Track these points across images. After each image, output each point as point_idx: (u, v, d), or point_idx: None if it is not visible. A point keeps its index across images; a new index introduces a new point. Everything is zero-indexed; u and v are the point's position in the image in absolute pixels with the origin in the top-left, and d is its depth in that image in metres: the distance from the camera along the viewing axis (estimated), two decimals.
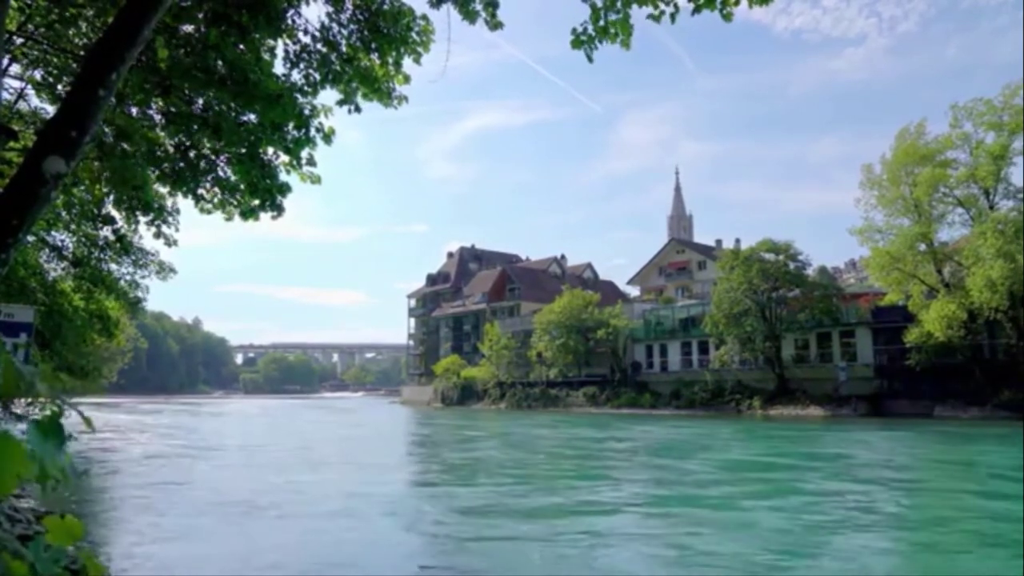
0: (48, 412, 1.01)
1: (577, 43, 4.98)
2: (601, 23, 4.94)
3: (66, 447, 0.99)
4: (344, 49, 6.81)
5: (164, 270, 15.12)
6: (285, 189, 7.70)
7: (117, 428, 33.11)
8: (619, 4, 4.85)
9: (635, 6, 4.88)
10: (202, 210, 8.46)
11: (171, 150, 8.37)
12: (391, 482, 16.16)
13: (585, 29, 4.99)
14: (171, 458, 20.40)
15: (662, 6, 4.79)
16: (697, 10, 4.70)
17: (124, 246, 13.00)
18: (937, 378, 35.24)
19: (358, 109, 7.15)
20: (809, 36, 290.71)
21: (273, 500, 12.68)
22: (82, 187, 10.53)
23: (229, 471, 18.18)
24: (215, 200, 8.36)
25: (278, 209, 7.81)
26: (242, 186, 8.02)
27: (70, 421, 1.14)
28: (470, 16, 5.84)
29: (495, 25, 5.91)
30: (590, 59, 5.04)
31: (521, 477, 16.26)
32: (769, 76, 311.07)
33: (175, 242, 11.76)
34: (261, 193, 7.65)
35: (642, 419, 39.25)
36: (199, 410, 62.15)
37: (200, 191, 8.38)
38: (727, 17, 4.73)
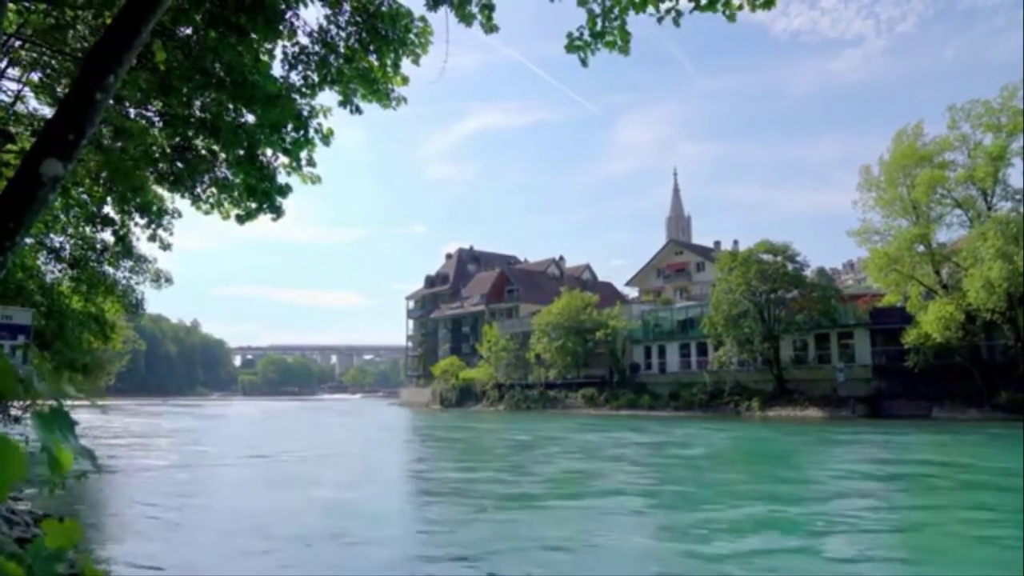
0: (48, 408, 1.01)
1: (572, 48, 4.96)
2: (598, 28, 4.92)
3: (75, 432, 0.99)
4: (342, 51, 6.82)
5: (160, 279, 15.00)
6: (285, 191, 7.69)
7: (127, 432, 31.79)
8: (616, 11, 4.83)
9: (632, 12, 4.86)
10: (199, 209, 8.48)
11: (169, 151, 8.38)
12: (492, 501, 12.84)
13: (581, 34, 4.97)
14: (195, 467, 19.00)
15: (662, 8, 4.78)
16: (698, 9, 4.67)
17: (125, 247, 13.00)
18: (935, 379, 35.25)
19: (358, 110, 7.16)
20: (807, 37, 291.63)
21: (342, 524, 10.44)
22: (80, 189, 10.53)
23: (268, 481, 16.05)
24: (212, 201, 8.38)
25: (277, 211, 7.80)
26: (239, 186, 8.03)
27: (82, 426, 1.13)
28: (466, 19, 5.85)
29: (490, 28, 5.93)
30: (585, 64, 5.03)
31: (651, 493, 13.75)
32: (767, 77, 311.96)
33: (169, 246, 11.76)
34: (259, 196, 7.65)
35: (660, 421, 38.10)
36: (202, 412, 61.67)
37: (197, 191, 8.40)
38: (731, 18, 4.71)
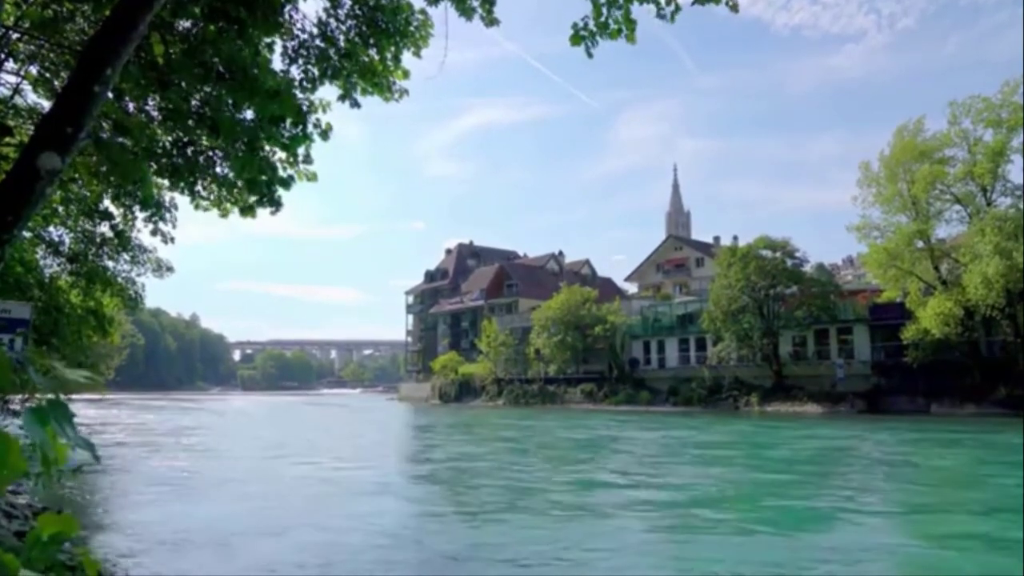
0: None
1: (576, 39, 4.96)
2: (602, 18, 4.91)
3: (73, 424, 0.98)
4: (342, 44, 6.79)
5: (161, 268, 14.96)
6: (288, 183, 7.66)
7: (148, 430, 30.62)
8: (620, 0, 4.83)
9: (636, 3, 4.85)
10: (198, 207, 8.46)
11: (169, 146, 8.35)
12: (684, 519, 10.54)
13: (586, 24, 4.96)
14: (238, 469, 17.34)
15: (663, 2, 4.77)
16: (698, 2, 4.66)
17: (123, 242, 12.97)
18: (934, 375, 35.29)
19: (357, 104, 7.13)
20: (809, 33, 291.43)
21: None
22: (79, 182, 10.50)
23: (339, 491, 13.58)
24: (211, 198, 8.36)
25: (276, 204, 7.78)
26: (239, 183, 8.00)
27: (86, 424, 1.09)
28: (467, 12, 5.84)
29: (491, 21, 5.92)
30: (590, 55, 5.03)
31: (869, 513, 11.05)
32: (768, 73, 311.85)
33: (172, 239, 11.72)
34: (259, 188, 7.63)
35: (687, 417, 37.48)
36: (209, 408, 61.18)
37: (197, 188, 8.38)
38: (733, 8, 4.70)
